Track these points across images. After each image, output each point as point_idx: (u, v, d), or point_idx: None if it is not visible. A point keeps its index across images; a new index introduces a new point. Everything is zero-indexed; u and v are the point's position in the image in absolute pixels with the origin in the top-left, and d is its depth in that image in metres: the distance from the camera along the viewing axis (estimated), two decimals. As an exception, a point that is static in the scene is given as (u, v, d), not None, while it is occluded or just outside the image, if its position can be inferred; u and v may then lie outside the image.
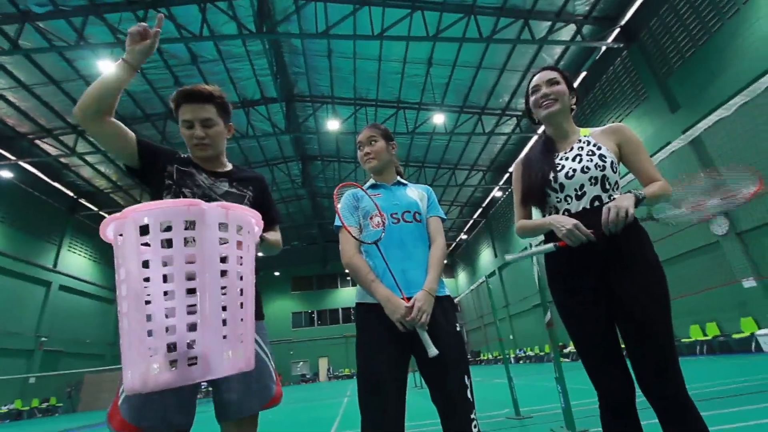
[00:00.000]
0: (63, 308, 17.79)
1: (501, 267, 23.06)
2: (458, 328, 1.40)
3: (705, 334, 9.74)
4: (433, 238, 1.53)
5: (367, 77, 13.72)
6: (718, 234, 9.24)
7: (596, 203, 1.30)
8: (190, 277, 0.82)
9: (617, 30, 11.26)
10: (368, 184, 1.66)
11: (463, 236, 29.39)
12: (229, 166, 1.49)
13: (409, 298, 1.31)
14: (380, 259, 1.37)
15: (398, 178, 1.68)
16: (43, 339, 16.30)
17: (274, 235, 1.49)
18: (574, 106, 1.48)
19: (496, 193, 22.19)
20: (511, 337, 21.60)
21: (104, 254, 20.95)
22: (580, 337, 1.32)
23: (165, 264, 0.80)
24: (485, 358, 25.38)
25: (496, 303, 24.67)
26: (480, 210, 24.75)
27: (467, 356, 1.39)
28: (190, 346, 0.79)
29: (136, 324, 0.77)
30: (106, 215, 20.13)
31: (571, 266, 1.33)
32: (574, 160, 1.37)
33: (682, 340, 10.14)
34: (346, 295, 32.33)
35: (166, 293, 0.79)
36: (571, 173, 1.34)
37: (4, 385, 14.44)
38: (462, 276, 31.90)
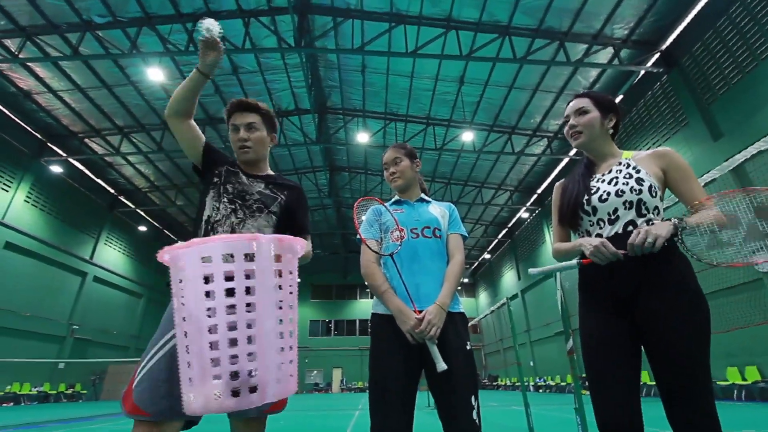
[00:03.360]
0: (95, 299, 18.64)
1: (524, 290, 22.42)
2: (469, 347, 1.39)
3: (744, 378, 9.06)
4: (451, 254, 1.55)
5: (398, 93, 13.94)
6: (762, 271, 8.66)
7: (630, 228, 1.23)
8: (250, 309, 0.85)
9: (657, 54, 10.98)
10: (392, 200, 1.71)
11: (486, 256, 28.84)
12: (270, 172, 1.62)
13: (421, 311, 1.32)
14: (395, 271, 1.40)
15: (422, 195, 1.71)
16: (75, 327, 17.09)
17: (306, 246, 1.55)
18: (611, 129, 1.41)
19: (523, 213, 21.74)
20: (531, 363, 20.81)
21: (137, 250, 21.90)
22: (591, 348, 1.22)
23: (228, 294, 0.83)
24: (503, 383, 24.51)
25: (516, 327, 23.91)
26: (505, 230, 24.28)
27: (477, 376, 1.38)
28: (250, 373, 0.83)
29: (199, 351, 0.81)
30: (142, 213, 21.29)
31: (601, 277, 1.28)
32: (610, 183, 1.32)
33: (718, 383, 9.47)
34: (365, 307, 32.21)
35: (228, 323, 0.83)
36: (605, 196, 1.29)
37: (36, 368, 15.23)
38: (483, 296, 31.19)
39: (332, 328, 31.63)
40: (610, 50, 11.05)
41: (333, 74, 13.62)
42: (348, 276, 32.29)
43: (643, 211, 1.23)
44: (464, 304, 1.52)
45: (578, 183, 1.39)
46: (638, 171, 1.28)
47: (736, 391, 9.02)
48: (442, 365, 1.22)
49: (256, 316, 0.84)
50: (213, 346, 0.80)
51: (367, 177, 20.41)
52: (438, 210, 1.64)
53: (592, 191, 1.33)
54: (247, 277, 0.84)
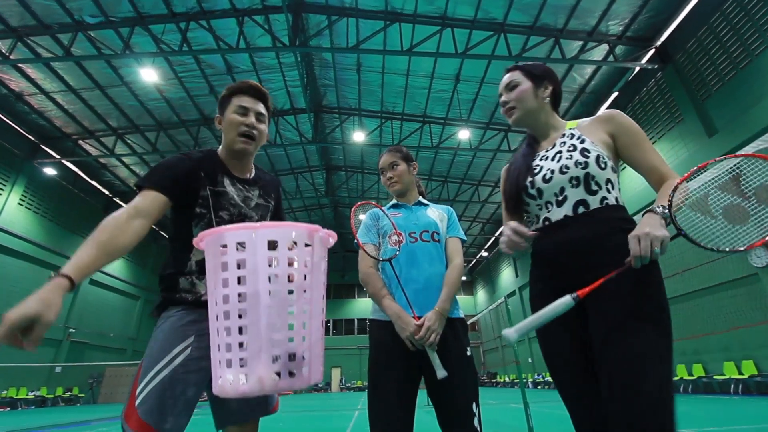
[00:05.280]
0: (91, 302, 18.51)
1: (522, 287, 22.49)
2: (469, 353, 1.38)
3: (741, 373, 9.13)
4: (450, 258, 1.53)
5: (394, 91, 13.90)
6: (758, 266, 8.72)
7: (581, 209, 1.07)
8: (306, 295, 0.91)
9: (652, 51, 11.01)
10: (390, 204, 1.70)
11: (484, 253, 28.89)
12: (254, 170, 1.47)
13: (420, 317, 1.30)
14: (394, 277, 1.39)
15: (420, 198, 1.70)
16: (72, 330, 16.97)
17: None
18: (547, 99, 1.24)
19: (520, 211, 21.79)
20: (529, 360, 20.89)
21: (132, 252, 21.75)
22: (551, 368, 1.10)
23: (289, 280, 0.88)
24: (502, 380, 24.61)
25: (515, 324, 24.11)
26: (502, 228, 24.29)
27: (477, 382, 1.36)
28: (303, 357, 0.89)
29: (257, 331, 0.83)
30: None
31: (541, 280, 1.14)
32: (554, 159, 1.16)
33: (715, 377, 9.54)
34: (363, 307, 32.22)
35: (288, 306, 0.88)
36: (549, 175, 1.13)
37: (33, 372, 15.12)
38: (481, 294, 31.27)
39: (330, 327, 31.59)
40: (605, 47, 11.06)
41: (328, 73, 13.56)
42: (346, 275, 32.24)
43: (593, 187, 1.07)
44: (462, 302, 1.51)
45: (520, 164, 1.25)
46: (582, 141, 1.13)
47: (733, 386, 9.09)
48: (442, 372, 1.20)
49: (311, 303, 0.91)
50: (272, 327, 0.84)
51: (363, 176, 20.37)
52: (436, 213, 1.62)
53: (536, 171, 1.18)
54: (304, 265, 0.91)
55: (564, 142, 1.18)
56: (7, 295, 14.29)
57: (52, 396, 15.97)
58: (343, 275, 32.14)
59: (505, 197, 1.29)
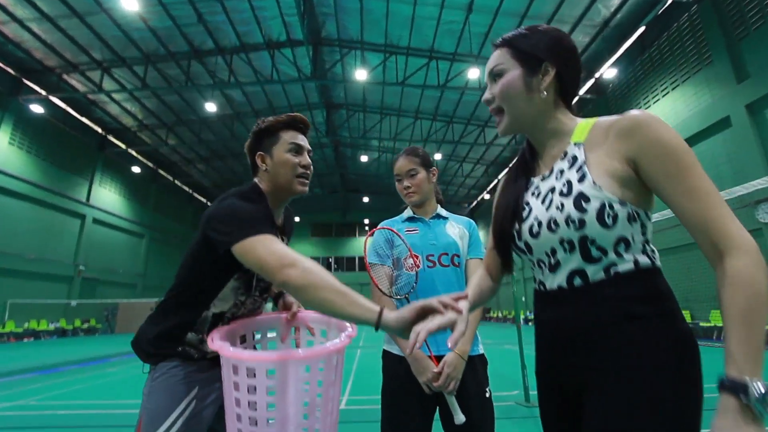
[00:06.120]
0: (97, 240, 18.85)
1: (521, 230, 22.78)
2: (488, 393, 1.30)
3: (727, 320, 9.54)
4: None
5: (400, 22, 12.71)
6: (763, 221, 8.65)
7: (577, 280, 0.74)
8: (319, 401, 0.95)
9: (690, -21, 9.85)
10: (405, 216, 1.52)
11: (486, 196, 28.85)
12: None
13: (438, 357, 1.20)
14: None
15: (438, 209, 1.52)
16: (81, 267, 17.50)
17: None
18: (545, 92, 0.81)
19: (525, 154, 21.27)
20: (523, 299, 21.88)
21: (133, 191, 21.67)
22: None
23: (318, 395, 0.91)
24: (494, 315, 26.03)
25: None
26: (506, 170, 23.88)
27: (494, 423, 1.30)
28: None
29: None
30: (134, 153, 20.67)
31: (544, 351, 0.84)
32: (544, 200, 0.79)
33: (701, 324, 9.97)
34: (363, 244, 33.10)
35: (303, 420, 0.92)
36: (536, 228, 0.78)
37: (50, 307, 15.91)
38: (481, 234, 31.71)
39: (332, 264, 32.66)
40: (638, -26, 9.87)
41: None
42: (347, 214, 32.59)
43: (594, 254, 0.72)
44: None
45: (509, 195, 0.88)
46: (583, 177, 0.73)
47: (716, 333, 9.54)
48: (460, 417, 1.13)
49: (323, 409, 0.92)
50: None
51: (365, 115, 19.54)
52: (456, 230, 1.47)
53: (524, 214, 0.82)
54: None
55: (562, 171, 0.79)
56: (11, 235, 14.52)
57: (71, 327, 16.96)
58: (344, 215, 32.47)
59: (492, 235, 0.92)
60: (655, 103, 11.90)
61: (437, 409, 1.31)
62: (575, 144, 0.79)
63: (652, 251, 0.73)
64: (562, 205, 0.73)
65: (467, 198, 30.67)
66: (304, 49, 13.53)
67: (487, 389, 1.31)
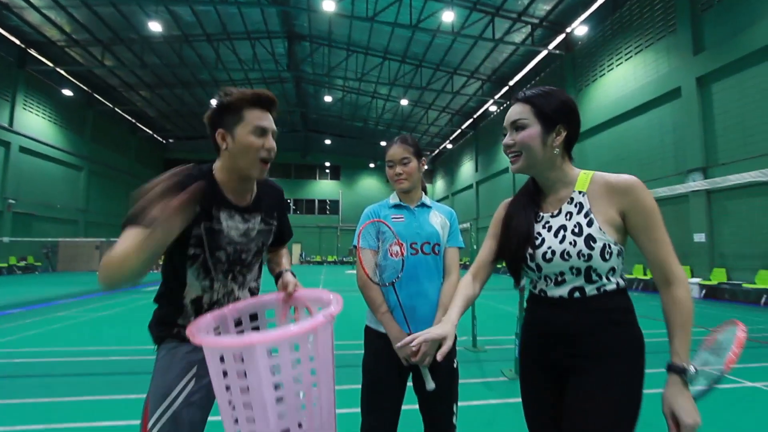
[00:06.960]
0: (28, 171, 17.02)
1: (479, 181, 23.55)
2: (456, 364, 1.50)
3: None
4: (448, 271, 1.54)
5: (373, -52, 11.57)
6: (689, 190, 9.59)
7: (576, 294, 1.02)
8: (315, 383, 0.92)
9: (671, -62, 9.69)
10: (391, 202, 1.60)
11: (448, 145, 29.07)
12: (255, 189, 1.24)
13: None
14: (393, 295, 1.40)
15: (423, 197, 1.61)
16: (11, 201, 15.92)
17: (287, 257, 1.44)
18: (557, 149, 1.04)
19: (491, 106, 21.34)
20: (474, 247, 23.24)
21: (66, 118, 19.36)
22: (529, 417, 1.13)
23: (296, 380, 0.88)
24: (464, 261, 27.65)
25: (468, 215, 25.51)
26: (470, 121, 24.04)
27: (458, 388, 1.52)
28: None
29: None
30: (63, 72, 18.17)
31: (534, 329, 1.12)
32: (556, 234, 1.04)
33: (744, 286, 8.63)
34: (324, 188, 32.73)
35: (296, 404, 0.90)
36: (549, 255, 1.03)
37: (-23, 242, 14.60)
38: (440, 183, 32.53)
39: (291, 206, 32.27)
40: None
41: None
42: (307, 156, 31.67)
43: (593, 278, 1.00)
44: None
45: (522, 225, 1.10)
46: (590, 223, 0.99)
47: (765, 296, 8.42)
48: (431, 385, 1.31)
49: (321, 388, 0.91)
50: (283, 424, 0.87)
51: (331, 50, 18.31)
52: (439, 220, 1.57)
53: (537, 243, 1.06)
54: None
55: (570, 213, 1.04)
56: None
57: (6, 265, 15.84)
58: (304, 155, 31.51)
59: (501, 250, 1.16)
60: (618, 65, 12.18)
61: (410, 376, 1.49)
62: (579, 192, 1.05)
63: (622, 276, 1.04)
64: (575, 242, 1.00)
65: (430, 146, 30.76)
66: (264, -33, 12.08)
67: (455, 360, 1.50)
